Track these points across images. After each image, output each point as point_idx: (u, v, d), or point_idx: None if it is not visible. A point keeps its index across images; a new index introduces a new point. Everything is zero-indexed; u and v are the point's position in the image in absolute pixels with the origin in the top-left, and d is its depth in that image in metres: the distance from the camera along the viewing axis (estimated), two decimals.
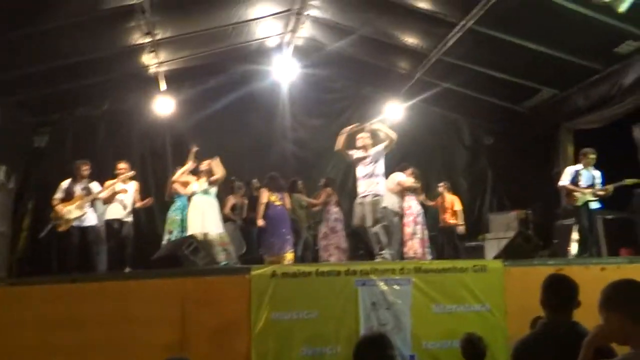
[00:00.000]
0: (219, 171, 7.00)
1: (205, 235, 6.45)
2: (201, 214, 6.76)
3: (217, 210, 7.05)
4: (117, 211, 6.94)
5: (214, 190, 7.06)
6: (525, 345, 2.61)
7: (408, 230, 7.78)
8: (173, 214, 7.52)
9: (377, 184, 6.72)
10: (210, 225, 6.66)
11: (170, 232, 7.23)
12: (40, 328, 4.48)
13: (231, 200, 8.53)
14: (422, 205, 8.29)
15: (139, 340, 4.59)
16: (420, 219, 7.91)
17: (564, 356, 2.26)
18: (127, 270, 6.45)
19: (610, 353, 2.20)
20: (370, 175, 6.69)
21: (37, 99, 8.92)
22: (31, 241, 8.58)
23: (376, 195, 6.65)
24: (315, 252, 8.62)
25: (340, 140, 6.97)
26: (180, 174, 7.35)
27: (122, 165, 7.08)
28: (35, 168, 9.21)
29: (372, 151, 6.81)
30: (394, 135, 6.80)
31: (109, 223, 6.88)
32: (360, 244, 7.95)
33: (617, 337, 2.05)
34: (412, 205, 7.94)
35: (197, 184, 7.00)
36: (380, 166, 6.84)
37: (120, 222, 6.93)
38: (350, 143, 7.25)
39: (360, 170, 6.87)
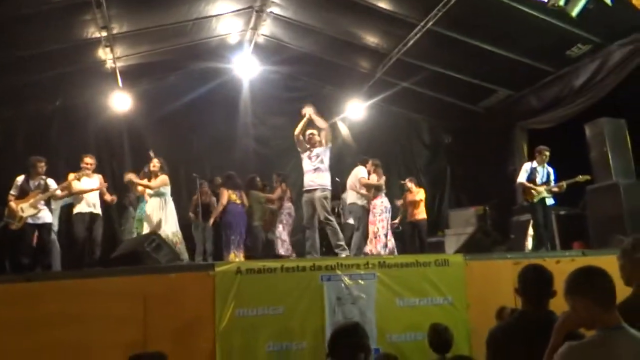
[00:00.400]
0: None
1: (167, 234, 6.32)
2: (153, 214, 6.63)
3: (169, 210, 6.87)
4: (87, 205, 6.70)
5: (166, 189, 6.89)
6: (502, 333, 2.66)
7: (372, 228, 7.81)
8: (139, 214, 7.40)
9: (323, 178, 6.67)
10: (163, 225, 6.54)
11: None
12: None
13: (194, 201, 8.42)
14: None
15: (100, 340, 4.43)
16: (386, 215, 7.94)
17: (540, 344, 2.32)
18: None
19: (579, 337, 2.28)
20: (314, 170, 6.67)
21: None
22: None
23: (324, 189, 6.62)
24: (269, 246, 8.62)
25: (302, 127, 6.86)
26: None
27: (89, 160, 6.83)
28: None
29: (317, 149, 6.75)
30: (322, 122, 6.75)
31: (80, 216, 6.61)
32: (324, 241, 7.93)
33: (585, 322, 2.13)
34: (377, 204, 7.94)
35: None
36: (326, 161, 6.78)
37: (91, 215, 6.69)
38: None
39: (307, 165, 6.81)
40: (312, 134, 6.81)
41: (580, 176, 7.24)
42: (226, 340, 4.78)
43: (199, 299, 4.81)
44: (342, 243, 6.55)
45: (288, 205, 8.74)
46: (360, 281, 5.30)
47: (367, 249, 7.75)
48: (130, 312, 4.56)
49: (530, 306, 2.76)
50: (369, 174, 7.96)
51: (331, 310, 5.15)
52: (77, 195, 6.71)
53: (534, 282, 2.77)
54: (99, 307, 4.50)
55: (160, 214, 6.56)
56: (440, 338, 3.78)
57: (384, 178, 8.09)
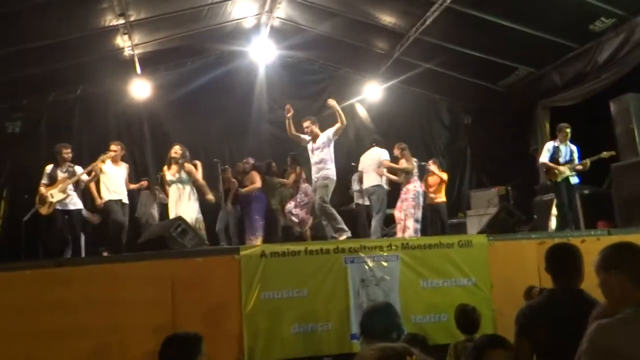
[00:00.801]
0: (198, 177, 6.88)
1: None
2: (174, 202, 6.67)
3: (190, 197, 6.89)
4: (116, 192, 6.82)
5: (185, 177, 6.90)
6: (532, 312, 2.65)
7: (400, 214, 7.63)
8: None
9: (327, 169, 6.64)
10: (183, 213, 6.58)
11: None
12: (26, 313, 4.37)
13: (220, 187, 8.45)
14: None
15: (128, 323, 4.52)
16: (419, 200, 7.70)
17: (571, 322, 2.31)
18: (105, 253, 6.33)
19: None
20: (319, 162, 6.65)
21: (7, 84, 8.63)
22: (8, 227, 8.43)
23: (325, 178, 6.60)
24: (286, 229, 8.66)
25: (288, 125, 6.82)
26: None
27: (114, 147, 6.93)
28: (10, 154, 8.98)
29: (320, 140, 6.72)
30: (344, 119, 6.69)
31: (110, 203, 6.75)
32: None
33: (619, 304, 2.07)
34: (410, 189, 7.66)
35: (169, 174, 6.83)
36: (330, 151, 6.72)
37: (121, 202, 6.82)
38: (299, 127, 7.07)
39: (311, 157, 6.81)
40: (307, 126, 6.79)
41: (605, 152, 7.12)
42: (252, 323, 4.84)
43: (225, 283, 4.87)
44: (342, 225, 6.55)
45: (304, 186, 8.50)
46: (383, 263, 5.31)
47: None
48: (159, 296, 4.64)
49: (560, 284, 2.75)
50: (398, 159, 7.84)
51: (355, 292, 5.18)
52: (104, 184, 6.80)
53: (564, 260, 2.76)
54: (128, 291, 4.59)
55: (183, 199, 6.62)
56: (468, 318, 3.78)
57: (413, 161, 7.89)
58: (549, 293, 2.79)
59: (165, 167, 6.84)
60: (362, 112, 11.55)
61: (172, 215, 6.42)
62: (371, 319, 2.43)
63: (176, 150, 6.78)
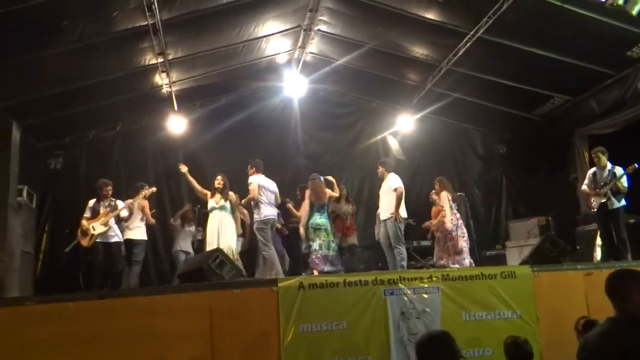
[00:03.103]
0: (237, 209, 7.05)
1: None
2: (216, 229, 6.72)
3: (231, 225, 6.97)
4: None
5: (229, 206, 7.01)
6: (592, 343, 2.52)
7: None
8: None
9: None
10: (223, 241, 6.62)
11: None
12: (68, 346, 4.40)
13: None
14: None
15: (168, 355, 4.52)
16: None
17: (630, 351, 2.19)
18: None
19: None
20: None
21: (50, 123, 8.94)
22: (50, 261, 8.63)
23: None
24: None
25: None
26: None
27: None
28: (51, 189, 9.26)
29: None
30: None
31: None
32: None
33: None
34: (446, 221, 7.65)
35: (213, 201, 6.92)
36: None
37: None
38: None
39: None
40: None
41: (630, 167, 6.86)
42: (291, 355, 4.77)
43: (264, 314, 4.83)
44: None
45: None
46: (424, 295, 5.20)
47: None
48: (198, 327, 4.63)
49: (622, 313, 2.61)
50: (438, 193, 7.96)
51: (395, 324, 5.08)
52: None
53: (625, 286, 2.62)
54: (167, 323, 4.60)
55: (224, 227, 6.68)
56: (521, 351, 3.61)
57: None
58: (608, 322, 2.64)
59: (209, 195, 6.89)
60: (393, 144, 11.52)
61: (212, 241, 6.44)
62: (429, 348, 2.34)
63: (219, 181, 6.88)
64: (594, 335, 2.63)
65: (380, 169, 7.63)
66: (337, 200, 8.16)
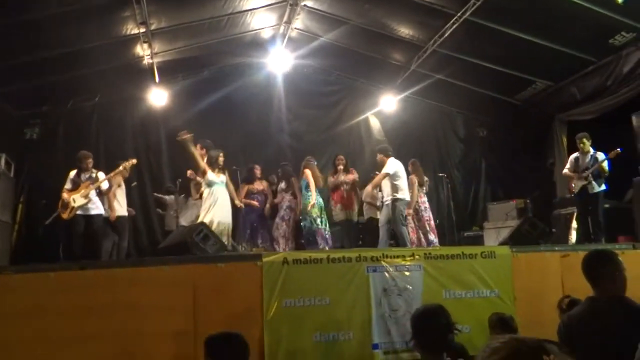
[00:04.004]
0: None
1: (219, 224, 6.37)
2: (220, 203, 6.61)
3: (229, 201, 6.92)
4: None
5: (215, 179, 6.92)
6: (574, 321, 2.59)
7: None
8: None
9: None
10: (226, 215, 6.60)
11: None
12: (47, 316, 4.34)
13: (245, 189, 8.35)
14: None
15: (150, 328, 4.48)
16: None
17: (615, 329, 2.26)
18: None
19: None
20: None
21: (27, 91, 8.72)
22: (26, 231, 8.49)
23: None
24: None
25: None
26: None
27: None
28: (28, 159, 9.06)
29: None
30: None
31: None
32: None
33: None
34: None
35: (214, 175, 6.76)
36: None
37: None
38: None
39: None
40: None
41: (612, 152, 7.02)
42: (274, 330, 4.79)
43: (247, 289, 4.83)
44: None
45: (288, 199, 8.19)
46: (406, 272, 5.26)
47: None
48: (181, 301, 4.61)
49: (599, 292, 2.69)
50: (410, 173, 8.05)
51: (377, 301, 5.13)
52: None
53: (601, 266, 2.70)
54: (150, 295, 4.56)
55: (227, 202, 6.68)
56: (507, 327, 3.69)
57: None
58: (589, 301, 2.73)
59: (209, 169, 6.74)
60: (375, 125, 11.53)
61: (211, 215, 6.37)
62: (426, 323, 2.38)
63: (222, 157, 6.85)
64: (576, 313, 2.70)
65: (380, 156, 7.63)
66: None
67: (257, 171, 8.52)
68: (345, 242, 8.07)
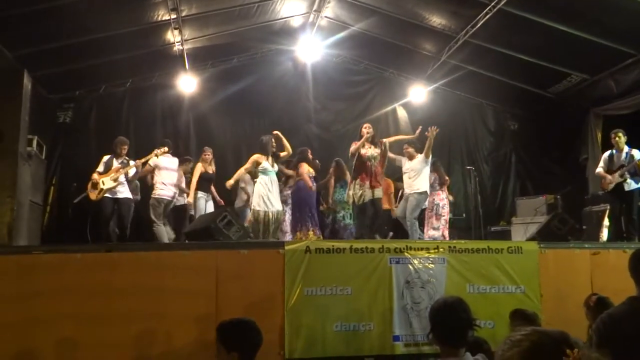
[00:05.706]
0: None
1: (273, 212, 6.47)
2: (270, 190, 6.62)
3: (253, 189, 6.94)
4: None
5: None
6: (615, 320, 2.48)
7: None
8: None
9: None
10: (277, 204, 6.67)
11: None
12: (74, 297, 4.45)
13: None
14: None
15: (172, 311, 4.56)
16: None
17: None
18: None
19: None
20: None
21: (61, 75, 8.90)
22: (57, 213, 8.71)
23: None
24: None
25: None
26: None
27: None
28: (60, 143, 9.28)
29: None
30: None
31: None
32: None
33: None
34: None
35: (268, 163, 6.76)
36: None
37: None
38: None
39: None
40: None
41: None
42: (295, 318, 4.81)
43: (269, 276, 4.86)
44: None
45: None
46: (429, 265, 5.20)
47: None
48: (203, 286, 4.66)
49: None
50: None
51: (399, 293, 5.10)
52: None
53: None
54: (173, 279, 4.63)
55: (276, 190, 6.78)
56: (530, 324, 3.59)
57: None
58: (631, 301, 2.60)
59: (264, 157, 6.75)
60: (403, 116, 11.36)
61: (265, 202, 6.44)
62: (445, 316, 2.33)
63: (274, 144, 6.87)
64: (617, 312, 2.57)
65: (410, 149, 7.50)
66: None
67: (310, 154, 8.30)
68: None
